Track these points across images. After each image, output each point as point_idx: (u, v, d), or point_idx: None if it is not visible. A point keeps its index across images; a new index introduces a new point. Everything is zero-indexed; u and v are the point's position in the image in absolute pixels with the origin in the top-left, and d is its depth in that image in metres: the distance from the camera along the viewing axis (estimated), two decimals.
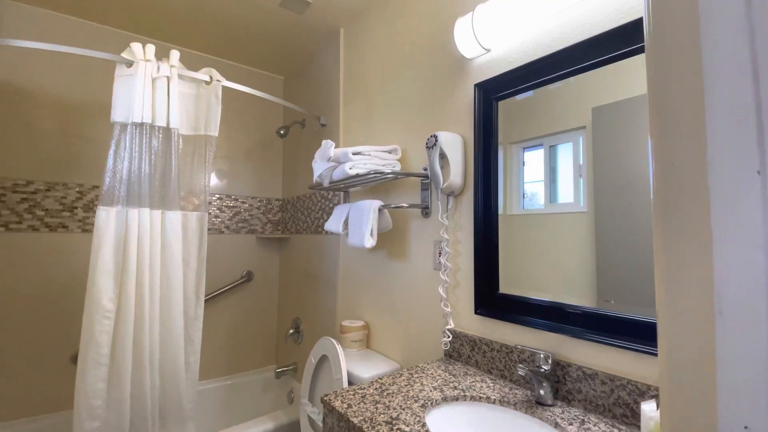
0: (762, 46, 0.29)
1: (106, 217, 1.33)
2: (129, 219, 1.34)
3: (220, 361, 2.23)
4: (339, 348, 1.42)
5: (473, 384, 1.02)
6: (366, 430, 0.77)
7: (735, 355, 0.28)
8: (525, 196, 1.08)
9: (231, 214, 2.32)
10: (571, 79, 0.96)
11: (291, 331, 2.16)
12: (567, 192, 0.99)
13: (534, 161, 1.06)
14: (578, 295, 0.92)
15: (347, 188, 1.72)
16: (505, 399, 0.93)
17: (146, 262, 1.36)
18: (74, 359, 1.83)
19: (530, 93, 1.07)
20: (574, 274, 0.94)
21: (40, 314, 1.77)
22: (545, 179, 1.03)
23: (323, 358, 1.51)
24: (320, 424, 1.42)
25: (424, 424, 0.80)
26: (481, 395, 0.95)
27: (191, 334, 1.52)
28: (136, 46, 1.36)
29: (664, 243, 0.33)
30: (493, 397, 0.94)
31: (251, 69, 2.45)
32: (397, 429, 0.78)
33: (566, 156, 0.99)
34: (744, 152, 0.29)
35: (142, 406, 1.41)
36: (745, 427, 0.27)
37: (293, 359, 2.22)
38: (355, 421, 0.81)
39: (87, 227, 1.90)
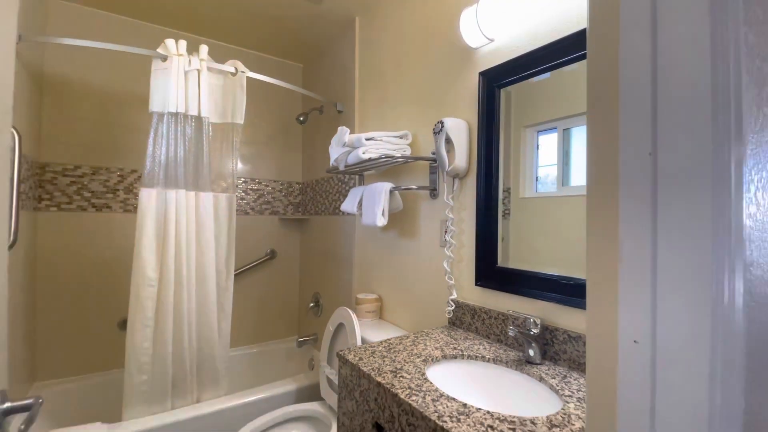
0: (661, 65, 0.38)
1: (148, 197, 1.50)
2: (168, 199, 1.51)
3: (248, 331, 2.44)
4: (354, 317, 1.57)
5: (471, 346, 1.14)
6: (374, 376, 0.91)
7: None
8: (538, 179, 1.13)
9: (255, 197, 2.48)
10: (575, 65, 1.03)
11: (311, 304, 2.34)
12: (580, 175, 1.01)
13: (548, 144, 1.08)
14: (581, 269, 0.98)
15: (362, 172, 1.83)
16: (498, 358, 1.05)
17: (183, 237, 1.53)
18: (120, 325, 2.06)
19: (547, 75, 1.08)
20: (579, 250, 0.99)
21: (90, 285, 1.99)
22: (558, 162, 1.06)
23: (340, 326, 1.66)
24: (337, 383, 1.59)
25: (423, 374, 0.93)
26: (477, 355, 1.07)
27: (223, 303, 1.70)
28: (170, 42, 1.50)
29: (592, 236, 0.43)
30: (488, 357, 1.06)
31: (272, 58, 2.57)
32: (400, 376, 0.91)
33: (580, 139, 1.00)
34: (639, 142, 0.39)
35: (182, 364, 1.61)
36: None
37: (313, 330, 2.40)
38: (365, 369, 0.95)
39: (128, 207, 2.10)
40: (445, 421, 0.72)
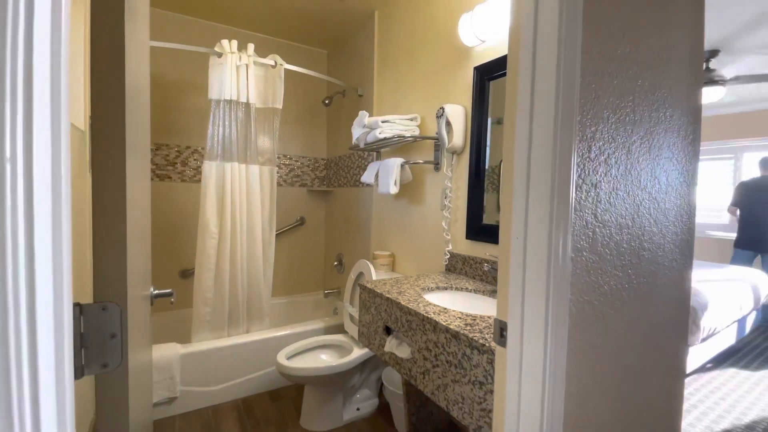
0: (536, 91, 0.70)
1: (210, 169, 1.89)
2: (225, 170, 1.90)
3: (281, 284, 2.87)
4: (371, 266, 1.95)
5: (459, 282, 1.50)
6: (384, 294, 1.28)
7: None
8: None
9: (287, 171, 2.86)
10: None
11: (335, 263, 2.74)
12: None
13: None
14: None
15: (379, 149, 2.17)
16: (478, 289, 1.40)
17: (237, 200, 1.93)
18: (181, 274, 2.52)
19: None
20: None
21: (156, 242, 2.44)
22: None
23: (360, 274, 2.05)
24: (357, 317, 1.98)
25: (420, 295, 1.30)
26: (462, 287, 1.43)
27: (267, 254, 2.11)
28: (224, 42, 1.84)
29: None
30: (470, 288, 1.41)
31: (300, 45, 2.88)
32: (403, 295, 1.28)
33: None
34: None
35: (236, 301, 2.05)
36: None
37: (337, 285, 2.81)
38: (378, 291, 1.32)
39: (184, 178, 2.51)
40: (431, 315, 1.08)
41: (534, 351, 0.70)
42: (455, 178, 1.70)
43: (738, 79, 2.87)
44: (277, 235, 2.78)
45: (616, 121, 0.79)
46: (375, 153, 2.31)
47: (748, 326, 3.02)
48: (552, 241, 0.68)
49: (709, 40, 2.74)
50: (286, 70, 2.21)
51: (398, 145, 2.04)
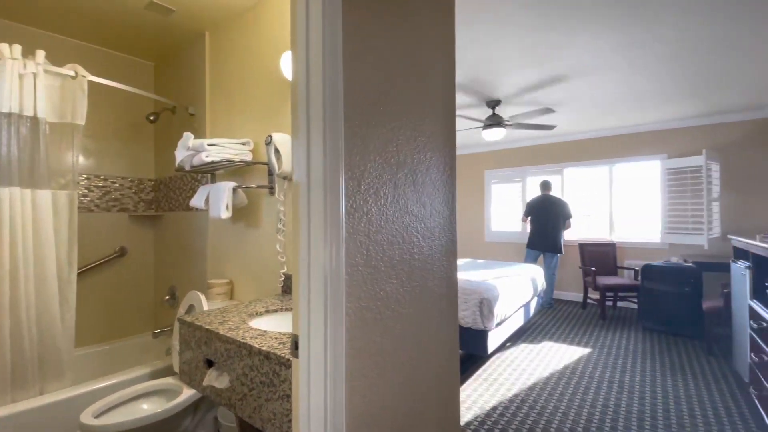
0: (311, 118, 0.84)
1: None
2: (0, 197, 1.54)
3: (98, 329, 2.42)
4: (203, 297, 1.85)
5: (290, 303, 1.57)
6: (204, 326, 1.25)
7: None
8: None
9: (101, 194, 2.47)
10: None
11: (167, 297, 2.47)
12: None
13: None
14: None
15: (213, 171, 2.10)
16: None
17: (18, 233, 1.58)
18: None
19: None
20: None
21: None
22: None
23: (190, 307, 1.91)
24: None
25: (245, 321, 1.31)
26: (292, 308, 1.50)
27: (66, 295, 1.77)
28: (3, 46, 1.52)
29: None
30: None
31: (120, 55, 2.57)
32: (225, 324, 1.28)
33: None
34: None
35: (22, 356, 1.65)
36: None
37: (170, 322, 2.53)
38: (197, 323, 1.28)
39: None
40: (247, 340, 1.12)
41: (318, 356, 0.82)
42: (288, 203, 1.78)
43: (512, 124, 3.83)
44: (87, 270, 2.36)
45: (383, 162, 1.00)
46: (210, 175, 2.23)
47: (532, 310, 3.96)
48: (326, 260, 0.82)
49: (493, 96, 3.60)
50: (99, 82, 1.94)
51: (231, 168, 2.02)
